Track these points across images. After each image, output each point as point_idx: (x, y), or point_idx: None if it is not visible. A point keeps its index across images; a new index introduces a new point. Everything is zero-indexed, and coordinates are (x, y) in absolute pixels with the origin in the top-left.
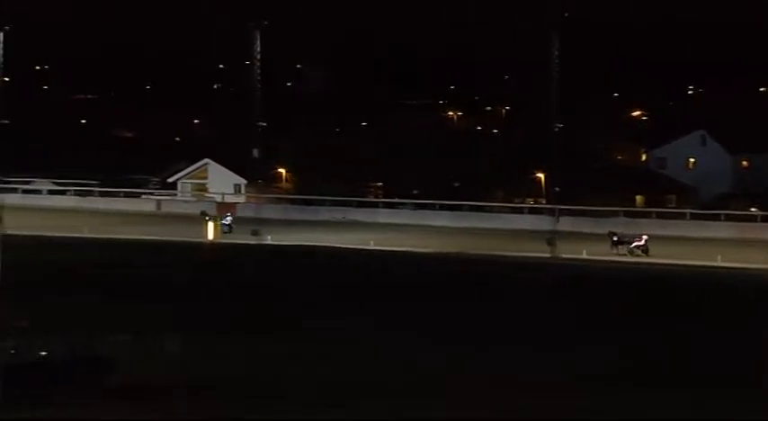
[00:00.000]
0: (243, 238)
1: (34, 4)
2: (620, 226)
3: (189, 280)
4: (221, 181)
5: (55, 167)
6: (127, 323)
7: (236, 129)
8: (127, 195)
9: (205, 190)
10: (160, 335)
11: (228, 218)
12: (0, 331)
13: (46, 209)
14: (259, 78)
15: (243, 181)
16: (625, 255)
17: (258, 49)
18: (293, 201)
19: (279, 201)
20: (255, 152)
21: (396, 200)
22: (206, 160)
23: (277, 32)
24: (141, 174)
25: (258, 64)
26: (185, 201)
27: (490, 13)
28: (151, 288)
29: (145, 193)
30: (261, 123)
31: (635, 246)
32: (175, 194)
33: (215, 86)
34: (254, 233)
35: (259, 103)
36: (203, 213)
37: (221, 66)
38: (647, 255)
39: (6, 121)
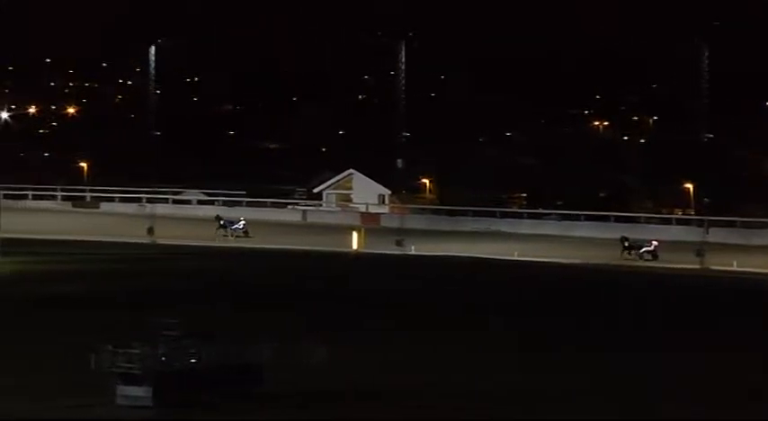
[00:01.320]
0: (387, 248)
1: (183, 18)
2: None
3: (332, 289)
4: (365, 191)
5: (204, 178)
6: (275, 330)
7: (381, 140)
8: (273, 205)
9: (349, 200)
10: (307, 343)
11: (242, 222)
12: (151, 338)
13: (195, 218)
14: (403, 89)
15: (387, 191)
16: (635, 259)
17: (403, 59)
18: (437, 212)
19: (422, 211)
20: (400, 162)
21: (540, 210)
22: (350, 170)
23: (421, 43)
24: (287, 185)
25: (403, 74)
26: (330, 212)
27: (636, 21)
28: (296, 296)
29: (290, 203)
30: (405, 134)
31: (645, 251)
32: (320, 204)
33: (360, 97)
34: (398, 243)
35: (403, 113)
36: (218, 217)
37: (366, 76)
38: (657, 260)
39: (158, 133)
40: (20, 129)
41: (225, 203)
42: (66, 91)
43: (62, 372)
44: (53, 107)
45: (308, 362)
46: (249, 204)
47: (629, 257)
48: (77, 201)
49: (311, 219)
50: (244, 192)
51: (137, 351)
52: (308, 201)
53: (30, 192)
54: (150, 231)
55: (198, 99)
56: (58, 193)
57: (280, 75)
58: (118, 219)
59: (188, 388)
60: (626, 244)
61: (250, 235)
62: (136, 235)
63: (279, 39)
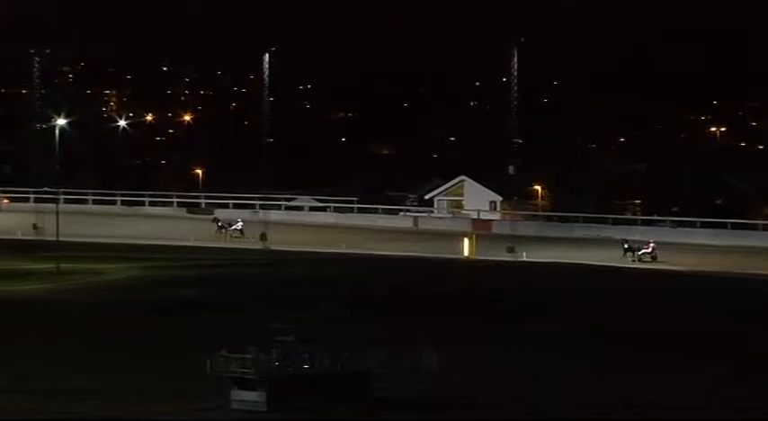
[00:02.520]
0: (498, 255)
1: (299, 27)
2: None
3: (445, 295)
4: (477, 197)
5: (316, 184)
6: (388, 337)
7: (492, 146)
8: (385, 212)
9: (461, 206)
10: (419, 350)
11: (239, 223)
12: (266, 344)
13: (307, 225)
14: (515, 95)
15: (498, 198)
16: (635, 261)
17: (515, 65)
18: (548, 218)
19: (534, 217)
20: (511, 169)
21: (654, 217)
22: (462, 177)
23: (532, 49)
24: (399, 191)
25: (515, 81)
26: (441, 218)
27: (758, 26)
28: (412, 303)
29: (402, 210)
30: (517, 140)
31: (643, 253)
32: (432, 211)
33: (471, 103)
34: (510, 250)
35: (515, 119)
36: (215, 220)
37: (477, 83)
38: (656, 261)
39: (271, 140)
40: (137, 137)
41: (336, 209)
42: (182, 99)
43: (178, 376)
44: (169, 115)
45: (420, 368)
46: (360, 210)
47: (631, 259)
48: (192, 208)
49: (423, 225)
50: (355, 199)
51: (251, 356)
52: (420, 208)
53: (147, 199)
54: (263, 237)
55: (310, 105)
56: (174, 200)
57: (392, 82)
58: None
59: (301, 393)
60: (626, 246)
61: (246, 235)
62: (249, 241)
63: (390, 46)
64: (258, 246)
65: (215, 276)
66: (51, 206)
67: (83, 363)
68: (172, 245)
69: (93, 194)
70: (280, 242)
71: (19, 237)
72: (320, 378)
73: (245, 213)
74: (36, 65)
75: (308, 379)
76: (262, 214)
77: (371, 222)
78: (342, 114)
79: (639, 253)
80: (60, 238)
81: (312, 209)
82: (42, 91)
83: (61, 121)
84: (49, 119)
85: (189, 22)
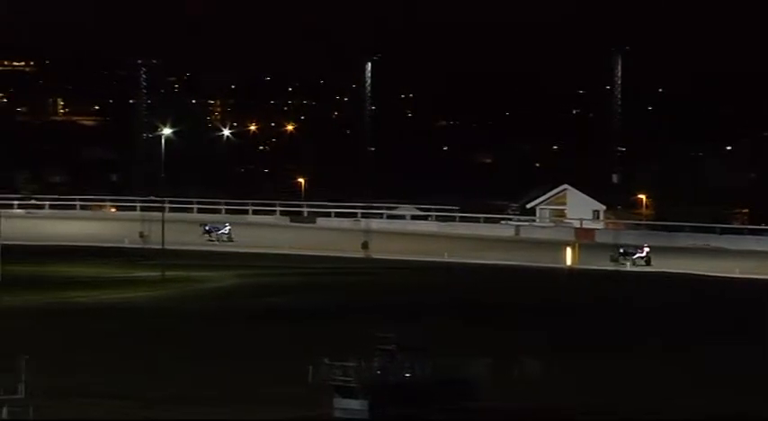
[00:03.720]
0: (601, 264)
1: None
2: None
3: (546, 305)
4: (580, 206)
5: (418, 192)
6: (490, 346)
7: (596, 155)
8: (486, 221)
9: (563, 216)
10: (522, 359)
11: (227, 227)
12: (367, 352)
13: (409, 233)
14: (620, 103)
15: (602, 206)
16: (630, 265)
17: (619, 73)
18: (653, 227)
19: (637, 227)
20: (615, 177)
21: (763, 226)
22: (564, 186)
23: (639, 57)
24: (501, 200)
25: (619, 89)
26: (543, 227)
27: None
28: (516, 312)
29: (504, 219)
30: (620, 148)
31: (637, 257)
32: (534, 220)
33: (574, 111)
34: (613, 259)
35: (619, 127)
36: (202, 224)
37: (581, 91)
38: (650, 266)
39: (373, 148)
40: (241, 146)
41: (438, 218)
42: (285, 108)
43: (280, 383)
44: (272, 124)
45: (524, 377)
46: (462, 219)
47: (623, 263)
48: (295, 216)
49: (524, 234)
50: (457, 208)
51: (353, 364)
52: (522, 217)
53: (250, 207)
54: (365, 246)
55: (412, 114)
56: (277, 208)
57: (494, 90)
58: (334, 234)
59: (403, 402)
60: (621, 251)
61: (233, 240)
62: (351, 249)
63: (492, 50)
64: (360, 254)
65: (317, 284)
66: (157, 214)
67: (184, 371)
68: (275, 253)
69: (198, 203)
70: (381, 251)
71: (125, 245)
72: (422, 386)
73: (347, 222)
74: (143, 75)
75: (410, 387)
76: (363, 223)
77: (473, 231)
78: (444, 123)
79: (634, 257)
80: (165, 246)
81: (414, 217)
82: (149, 101)
83: (167, 131)
84: (155, 128)
85: (291, 31)
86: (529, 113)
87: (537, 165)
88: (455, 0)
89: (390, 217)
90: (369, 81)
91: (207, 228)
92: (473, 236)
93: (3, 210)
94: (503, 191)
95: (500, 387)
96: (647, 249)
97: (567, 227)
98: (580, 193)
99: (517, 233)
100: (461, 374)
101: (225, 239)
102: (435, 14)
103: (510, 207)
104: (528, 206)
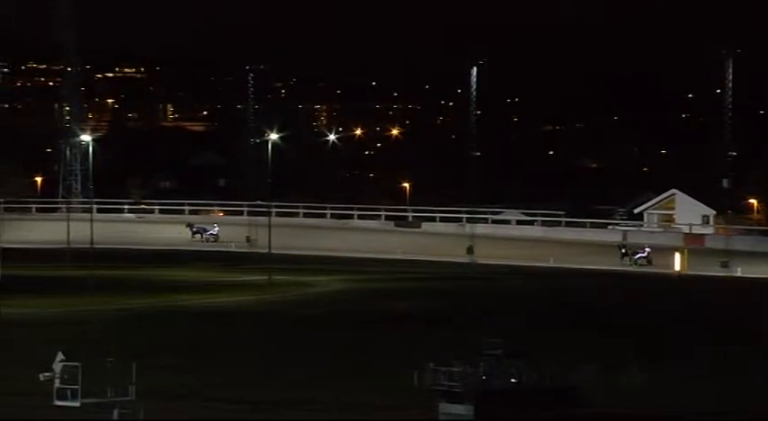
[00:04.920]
0: (711, 270)
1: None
2: None
3: (661, 310)
4: (688, 211)
5: (523, 197)
6: (596, 352)
7: (705, 159)
8: (593, 226)
9: (672, 220)
10: (628, 367)
11: (215, 228)
12: (473, 357)
13: (514, 238)
14: (730, 107)
15: (711, 211)
16: (631, 265)
17: (730, 77)
18: (765, 233)
19: (749, 232)
20: (725, 182)
21: None
22: (673, 190)
23: (750, 59)
24: (607, 205)
25: (729, 91)
26: (651, 232)
27: None
28: (624, 318)
29: (611, 224)
30: (731, 153)
31: (639, 257)
32: (641, 225)
33: (683, 116)
34: (723, 265)
35: (729, 131)
36: (189, 224)
37: (690, 95)
38: (651, 265)
39: (478, 153)
40: (346, 151)
41: (544, 223)
42: (391, 113)
43: (386, 388)
44: (378, 129)
45: (629, 385)
46: (568, 224)
47: (626, 263)
48: (400, 221)
49: (632, 239)
50: (563, 212)
51: (458, 369)
52: (629, 222)
53: (355, 212)
54: (470, 251)
55: (518, 119)
56: (382, 213)
57: (601, 95)
58: (439, 239)
59: (509, 407)
60: (623, 251)
61: (221, 240)
62: (456, 254)
63: (599, 58)
64: (465, 259)
65: (422, 289)
66: (264, 219)
67: (291, 375)
68: (380, 258)
69: (304, 207)
70: (486, 256)
71: (233, 249)
72: (527, 392)
73: (452, 226)
74: (250, 81)
75: (516, 393)
76: (468, 227)
77: (579, 236)
78: (549, 127)
79: (636, 257)
80: (272, 251)
81: (519, 222)
82: (256, 106)
83: (273, 136)
84: (263, 134)
85: (397, 37)
86: (637, 117)
87: (645, 169)
88: (557, 3)
89: (495, 222)
90: (474, 86)
91: (195, 228)
92: (579, 241)
93: (114, 215)
94: (610, 195)
95: (606, 393)
96: (648, 249)
97: (675, 232)
98: (689, 198)
99: (624, 238)
100: (567, 380)
101: (212, 240)
102: (539, 17)
103: (617, 212)
104: (635, 211)
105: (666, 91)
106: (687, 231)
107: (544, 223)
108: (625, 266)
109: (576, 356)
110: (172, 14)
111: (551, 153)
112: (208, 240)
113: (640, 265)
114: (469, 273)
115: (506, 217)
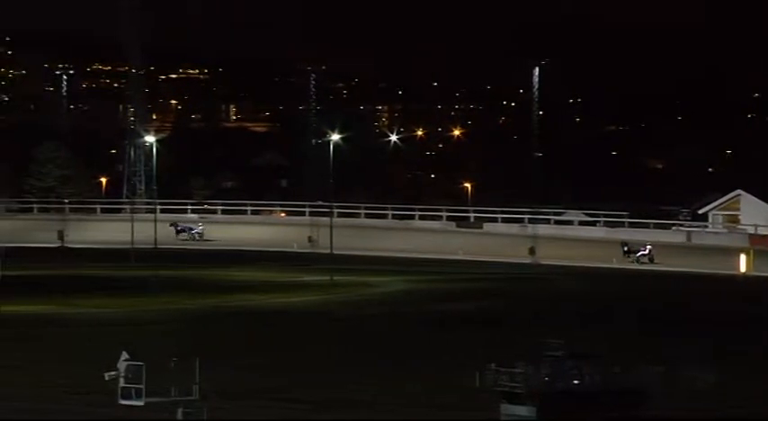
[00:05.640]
0: None
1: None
2: None
3: (722, 312)
4: (754, 212)
5: (586, 198)
6: (661, 354)
7: None
8: (656, 226)
9: (737, 221)
10: (696, 370)
11: (200, 227)
12: (535, 358)
13: (576, 239)
14: None
15: None
16: (633, 262)
17: None
18: None
19: None
20: None
21: None
22: (738, 191)
23: None
24: (671, 205)
25: None
26: (716, 233)
27: None
28: (690, 321)
29: (675, 224)
30: None
31: (641, 255)
32: (706, 226)
33: (748, 116)
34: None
35: None
36: (173, 224)
37: (756, 95)
38: (653, 263)
39: (540, 154)
40: (408, 152)
41: (606, 224)
42: (452, 114)
43: (448, 389)
44: (439, 129)
45: (696, 387)
46: (631, 225)
47: (628, 260)
48: (461, 222)
49: (696, 240)
50: (626, 213)
51: (520, 371)
52: (693, 223)
53: (417, 213)
54: (532, 251)
55: (580, 119)
56: (444, 214)
57: (665, 94)
58: (500, 240)
59: (571, 409)
60: (625, 248)
61: (205, 238)
62: (518, 255)
63: (663, 57)
64: (527, 260)
65: (483, 290)
66: (326, 219)
67: (353, 375)
68: (441, 258)
69: (366, 208)
70: (548, 256)
71: (295, 249)
72: (590, 394)
73: (514, 227)
74: (312, 81)
75: (578, 395)
76: (531, 228)
77: (642, 237)
78: (613, 128)
79: (637, 255)
80: (334, 251)
81: (581, 223)
82: (318, 107)
83: (335, 137)
84: (324, 134)
85: (458, 37)
86: (702, 117)
87: (710, 169)
88: (621, 4)
89: (558, 222)
90: (536, 86)
91: (179, 227)
92: (643, 242)
93: (177, 215)
94: (674, 196)
95: (671, 396)
96: (649, 247)
97: (740, 233)
98: (754, 199)
99: (689, 239)
100: (631, 382)
101: (198, 238)
102: (603, 18)
103: (681, 212)
104: (700, 211)
105: (732, 91)
106: (752, 232)
107: (607, 224)
108: (627, 264)
109: (640, 358)
110: (234, 16)
111: (614, 154)
112: (193, 239)
113: (642, 263)
114: (531, 274)
115: (569, 217)
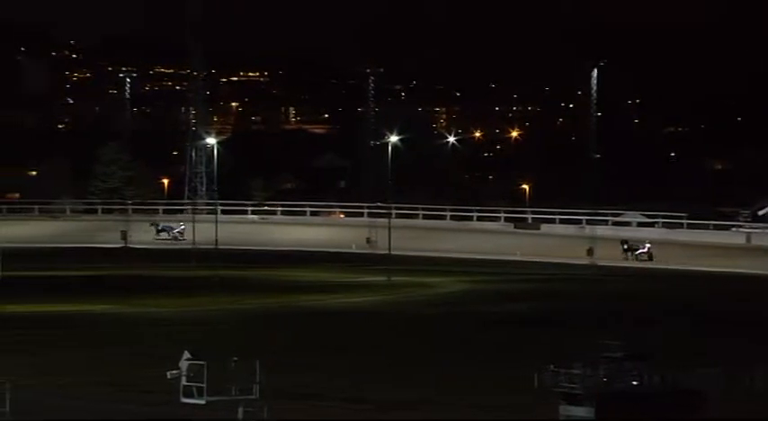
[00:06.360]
0: None
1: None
2: None
3: None
4: None
5: (644, 199)
6: (720, 356)
7: None
8: (716, 228)
9: None
10: (755, 371)
11: (181, 226)
12: (593, 359)
13: (633, 240)
14: None
15: None
16: (633, 260)
17: None
18: None
19: None
20: None
21: None
22: None
23: None
24: (731, 207)
25: None
26: None
27: None
28: (749, 323)
29: (734, 226)
30: None
31: (640, 253)
32: (766, 227)
33: None
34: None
35: None
36: (154, 224)
37: None
38: (652, 261)
39: (598, 155)
40: (465, 153)
41: (664, 225)
42: (510, 115)
43: (507, 389)
44: (497, 131)
45: (756, 390)
46: (690, 226)
47: (629, 258)
48: (519, 223)
49: (756, 241)
50: (684, 214)
51: (578, 371)
52: (753, 224)
53: (474, 214)
54: (590, 252)
55: (639, 121)
56: (501, 215)
57: (726, 95)
58: (558, 241)
59: (630, 410)
60: (624, 246)
61: (185, 238)
62: (575, 256)
63: (716, 60)
64: (584, 261)
65: (540, 291)
66: (384, 220)
67: (413, 376)
68: (499, 259)
69: (423, 209)
70: (606, 257)
71: (353, 250)
72: (648, 395)
73: (572, 228)
74: (371, 84)
75: (636, 396)
76: (588, 229)
77: (701, 238)
78: (672, 129)
79: (637, 252)
80: (392, 252)
81: (639, 224)
82: (376, 109)
83: (393, 138)
84: (382, 136)
85: (516, 39)
86: (763, 118)
87: None
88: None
89: (616, 223)
90: (594, 87)
91: (160, 227)
92: (701, 243)
93: (238, 216)
94: (734, 198)
95: (731, 399)
96: (648, 245)
97: None
98: None
99: (748, 240)
100: (690, 384)
101: (179, 238)
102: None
103: (741, 214)
104: (760, 213)
105: None
106: None
107: (665, 225)
108: (627, 261)
109: (698, 360)
110: (294, 19)
111: (673, 155)
112: (175, 238)
113: (642, 260)
114: (588, 275)
115: (627, 219)
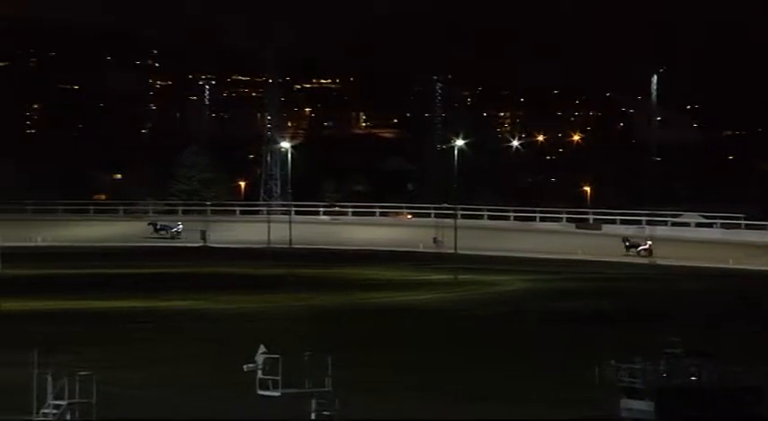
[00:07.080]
0: None
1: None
2: None
3: None
4: None
5: (703, 200)
6: None
7: None
8: None
9: None
10: None
11: (179, 226)
12: (653, 355)
13: (692, 240)
14: None
15: None
16: (635, 256)
17: None
18: None
19: None
20: None
21: None
22: None
23: None
24: None
25: None
26: None
27: None
28: None
29: None
30: None
31: (641, 249)
32: None
33: None
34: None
35: None
36: (152, 223)
37: None
38: (651, 257)
39: (658, 158)
40: (529, 156)
41: (723, 226)
42: (572, 119)
43: (569, 384)
44: (560, 135)
45: None
46: (748, 227)
47: (630, 255)
48: (581, 223)
49: None
50: (743, 215)
51: (639, 366)
52: None
53: (537, 215)
54: (648, 253)
55: (697, 125)
56: (563, 216)
57: None
58: (618, 241)
59: (688, 405)
60: (626, 243)
61: (182, 237)
62: (635, 256)
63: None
64: (644, 260)
65: (601, 289)
66: (450, 221)
67: (478, 372)
68: (561, 258)
69: (488, 210)
70: (665, 257)
71: (420, 249)
72: (708, 391)
73: (632, 229)
74: (438, 90)
75: (696, 391)
76: (648, 230)
77: (760, 239)
78: (729, 132)
79: (638, 249)
80: (458, 251)
81: (698, 225)
82: (443, 114)
83: (460, 142)
84: (449, 140)
85: (576, 46)
86: None
87: None
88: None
89: (675, 224)
90: (654, 93)
91: (158, 226)
92: (760, 243)
93: (310, 217)
94: None
95: None
96: (649, 242)
97: None
98: None
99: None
100: (750, 381)
101: (176, 236)
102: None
103: None
104: None
105: None
106: None
107: (723, 225)
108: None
109: (759, 358)
110: (364, 30)
111: (731, 158)
112: (173, 237)
113: (643, 256)
114: (648, 275)
115: (686, 219)
